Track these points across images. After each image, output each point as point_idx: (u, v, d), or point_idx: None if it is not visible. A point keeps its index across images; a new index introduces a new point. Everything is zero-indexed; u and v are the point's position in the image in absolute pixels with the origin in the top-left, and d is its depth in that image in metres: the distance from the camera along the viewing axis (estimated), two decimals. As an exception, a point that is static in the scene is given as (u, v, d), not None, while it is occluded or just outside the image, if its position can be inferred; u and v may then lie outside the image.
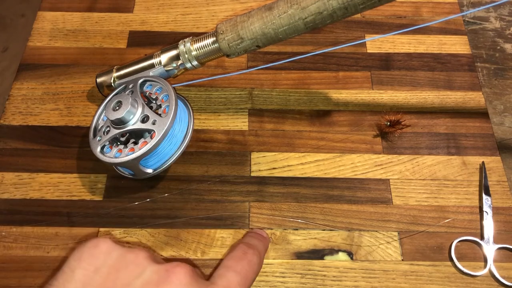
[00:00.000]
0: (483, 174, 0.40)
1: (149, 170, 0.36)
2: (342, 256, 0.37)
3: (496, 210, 0.39)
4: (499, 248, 0.37)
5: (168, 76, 0.39)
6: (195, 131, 0.42)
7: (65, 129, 0.42)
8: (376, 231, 0.38)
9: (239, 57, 0.46)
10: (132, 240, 0.37)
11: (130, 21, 0.50)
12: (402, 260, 0.36)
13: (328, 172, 0.40)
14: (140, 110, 0.35)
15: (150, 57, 0.39)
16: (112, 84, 0.40)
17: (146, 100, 0.38)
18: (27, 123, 0.43)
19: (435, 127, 0.43)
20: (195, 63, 0.38)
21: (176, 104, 0.35)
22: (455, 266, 0.36)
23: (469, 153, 0.42)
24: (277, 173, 0.40)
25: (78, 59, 0.47)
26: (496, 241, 0.37)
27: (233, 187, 0.39)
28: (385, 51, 0.48)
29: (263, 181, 0.40)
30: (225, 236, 0.37)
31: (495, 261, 0.36)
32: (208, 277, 0.27)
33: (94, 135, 0.37)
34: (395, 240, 0.37)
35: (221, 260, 0.30)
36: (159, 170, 0.37)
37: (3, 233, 0.37)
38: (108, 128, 0.36)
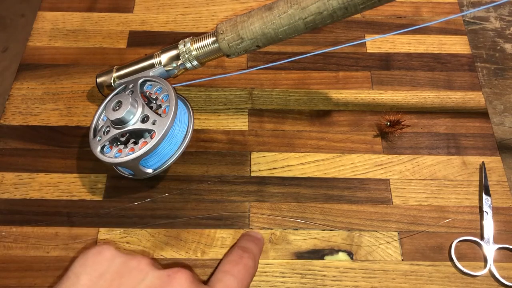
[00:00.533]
0: (483, 174, 0.40)
1: (149, 170, 0.36)
2: (342, 256, 0.37)
3: (496, 210, 0.39)
4: (499, 248, 0.37)
5: (168, 76, 0.39)
6: (195, 131, 0.42)
7: (65, 129, 0.42)
8: (376, 231, 0.38)
9: (239, 57, 0.46)
10: (132, 240, 0.37)
11: (130, 21, 0.50)
12: (402, 260, 0.36)
13: (328, 172, 0.40)
14: (140, 110, 0.35)
15: (150, 57, 0.39)
16: (112, 84, 0.40)
17: (146, 100, 0.38)
18: (27, 123, 0.43)
19: (435, 127, 0.43)
20: (195, 63, 0.38)
21: (176, 104, 0.35)
22: (455, 266, 0.36)
23: (469, 153, 0.42)
24: (277, 173, 0.40)
25: (78, 59, 0.47)
26: (496, 241, 0.37)
27: (233, 187, 0.39)
28: (385, 51, 0.48)
29: (263, 181, 0.40)
30: (225, 236, 0.37)
31: (495, 261, 0.36)
32: (206, 281, 0.27)
33: (94, 135, 0.37)
34: (395, 240, 0.37)
35: (219, 263, 0.31)
36: (159, 170, 0.37)
37: (3, 233, 0.37)
38: (108, 128, 0.36)
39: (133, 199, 0.39)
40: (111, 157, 0.35)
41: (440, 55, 0.47)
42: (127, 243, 0.37)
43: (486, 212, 0.38)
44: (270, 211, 0.38)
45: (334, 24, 0.49)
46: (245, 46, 0.36)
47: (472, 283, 0.36)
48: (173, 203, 0.39)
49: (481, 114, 0.44)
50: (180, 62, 0.38)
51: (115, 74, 0.40)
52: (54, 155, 0.41)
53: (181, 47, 0.38)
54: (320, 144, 0.42)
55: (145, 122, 0.34)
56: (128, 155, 0.34)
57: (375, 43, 0.48)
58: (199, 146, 0.42)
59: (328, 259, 0.36)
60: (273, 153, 0.41)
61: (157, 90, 0.38)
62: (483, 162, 0.41)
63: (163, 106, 0.36)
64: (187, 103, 0.39)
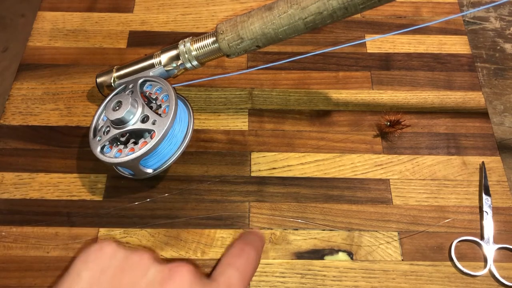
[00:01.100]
0: (483, 174, 0.40)
1: (149, 170, 0.36)
2: (342, 256, 0.37)
3: (496, 210, 0.39)
4: (499, 248, 0.37)
5: (168, 76, 0.39)
6: (195, 131, 0.42)
7: (65, 129, 0.42)
8: (376, 231, 0.38)
9: (239, 57, 0.46)
10: (132, 240, 0.37)
11: (130, 21, 0.50)
12: (402, 260, 0.36)
13: (328, 172, 0.40)
14: (140, 110, 0.35)
15: (150, 57, 0.39)
16: (112, 84, 0.40)
17: (146, 100, 0.38)
18: (27, 123, 0.43)
19: (435, 127, 0.43)
20: (195, 63, 0.38)
21: (176, 104, 0.35)
22: (455, 266, 0.36)
23: (469, 153, 0.42)
24: (277, 173, 0.40)
25: (78, 59, 0.47)
26: (496, 241, 0.37)
27: (233, 187, 0.39)
28: (385, 51, 0.48)
29: (263, 181, 0.40)
30: (225, 236, 0.37)
31: (495, 261, 0.36)
32: (208, 275, 0.27)
33: (94, 135, 0.37)
34: (395, 240, 0.37)
35: (221, 256, 0.31)
36: (159, 170, 0.37)
37: (3, 233, 0.37)
38: (108, 128, 0.36)
39: (133, 199, 0.39)
40: (111, 157, 0.35)
41: (440, 55, 0.47)
42: (127, 243, 0.37)
43: (486, 212, 0.38)
44: (270, 211, 0.38)
45: (334, 24, 0.49)
46: (245, 46, 0.36)
47: (472, 283, 0.36)
48: (173, 203, 0.39)
49: (481, 114, 0.44)
50: (180, 62, 0.38)
51: (115, 74, 0.40)
52: (54, 155, 0.41)
53: (181, 47, 0.38)
54: (320, 144, 0.42)
55: (145, 122, 0.34)
56: (128, 155, 0.34)
57: (375, 43, 0.48)
58: (199, 146, 0.42)
59: (328, 259, 0.36)
60: (273, 153, 0.41)
61: (157, 90, 0.38)
62: (483, 162, 0.41)
63: (163, 106, 0.36)
64: (187, 103, 0.39)
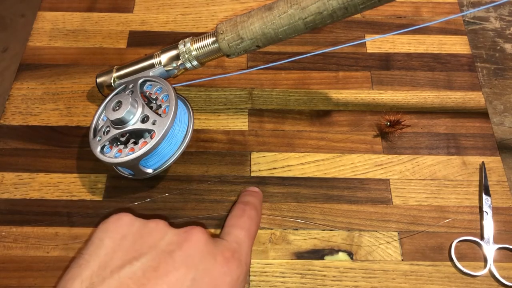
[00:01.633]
0: (483, 174, 0.40)
1: (149, 170, 0.36)
2: (342, 256, 0.37)
3: (496, 210, 0.39)
4: (499, 248, 0.37)
5: (168, 76, 0.39)
6: (195, 131, 0.42)
7: (65, 129, 0.42)
8: (376, 231, 0.38)
9: (239, 57, 0.46)
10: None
11: (130, 21, 0.50)
12: (402, 260, 0.36)
13: (328, 172, 0.40)
14: (140, 110, 0.35)
15: (150, 57, 0.39)
16: (112, 84, 0.40)
17: (146, 100, 0.38)
18: (27, 123, 0.43)
19: (435, 127, 0.43)
20: (195, 63, 0.38)
21: (176, 104, 0.35)
22: (455, 266, 0.36)
23: (469, 153, 0.42)
24: (277, 173, 0.40)
25: (78, 59, 0.47)
26: (496, 241, 0.37)
27: (233, 187, 0.39)
28: (385, 51, 0.48)
29: (263, 181, 0.40)
30: (225, 236, 0.37)
31: (495, 261, 0.36)
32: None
33: (94, 135, 0.37)
34: (395, 240, 0.37)
35: (225, 220, 0.33)
36: (159, 170, 0.37)
37: (3, 233, 0.37)
38: (108, 128, 0.36)
39: (133, 199, 0.39)
40: (111, 157, 0.35)
41: (440, 55, 0.47)
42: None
43: (486, 212, 0.38)
44: (270, 211, 0.38)
45: (334, 24, 0.49)
46: (245, 46, 0.36)
47: (472, 283, 0.36)
48: (173, 203, 0.39)
49: (481, 114, 0.44)
50: (180, 62, 0.38)
51: (115, 74, 0.40)
52: (54, 155, 0.41)
53: (181, 47, 0.38)
54: (320, 144, 0.42)
55: (145, 122, 0.34)
56: (128, 155, 0.34)
57: (375, 43, 0.48)
58: (199, 146, 0.42)
59: (328, 259, 0.36)
60: (273, 153, 0.41)
61: (157, 90, 0.38)
62: (483, 162, 0.41)
63: (163, 106, 0.36)
64: (187, 103, 0.39)
